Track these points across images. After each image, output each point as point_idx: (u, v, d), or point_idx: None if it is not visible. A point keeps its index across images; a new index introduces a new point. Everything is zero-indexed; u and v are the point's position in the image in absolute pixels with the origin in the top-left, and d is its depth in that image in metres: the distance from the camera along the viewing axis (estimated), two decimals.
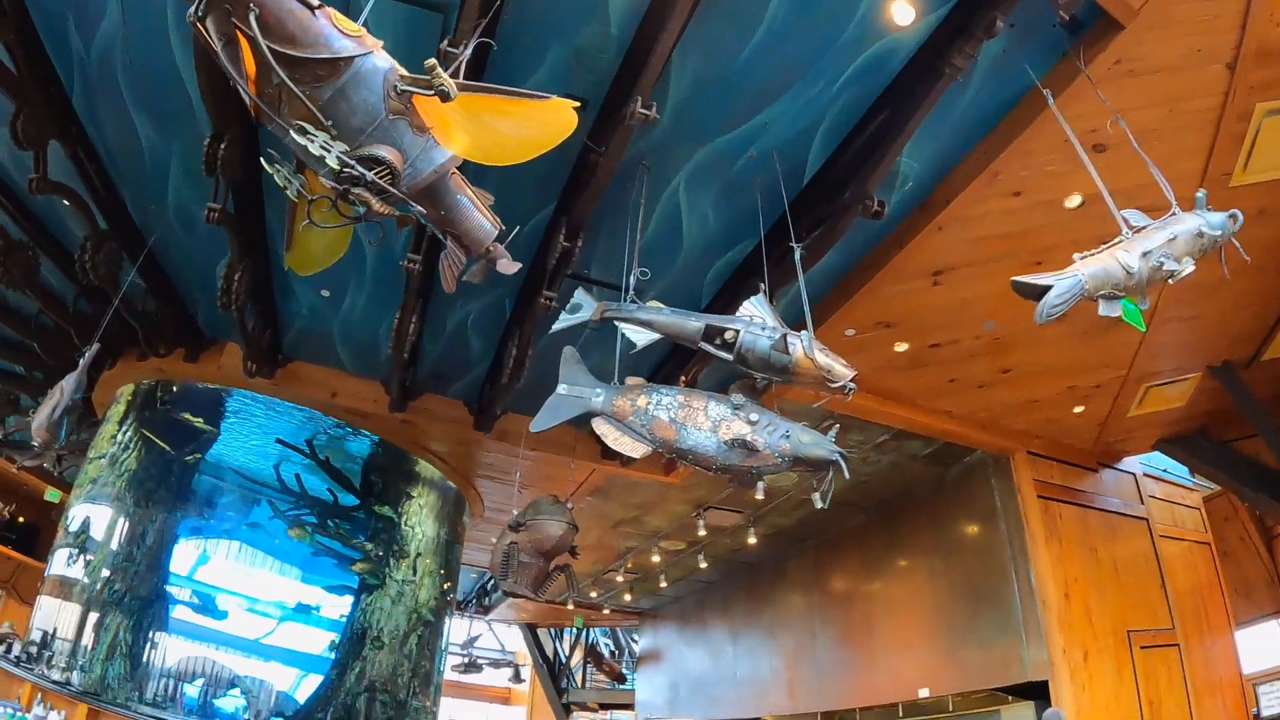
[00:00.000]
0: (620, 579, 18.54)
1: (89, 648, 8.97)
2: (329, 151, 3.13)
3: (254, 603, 9.74)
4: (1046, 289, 4.21)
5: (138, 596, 9.26)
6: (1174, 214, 4.74)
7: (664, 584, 18.31)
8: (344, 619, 10.30)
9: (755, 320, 5.05)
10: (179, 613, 9.35)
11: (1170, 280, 4.52)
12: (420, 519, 11.60)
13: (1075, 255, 4.45)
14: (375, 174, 3.21)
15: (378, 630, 10.51)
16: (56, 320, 9.56)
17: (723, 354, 5.03)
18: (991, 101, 6.30)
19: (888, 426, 10.35)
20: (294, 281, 8.74)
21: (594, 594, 20.30)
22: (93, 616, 9.13)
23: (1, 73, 6.14)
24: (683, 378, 8.60)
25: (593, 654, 26.36)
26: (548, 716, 24.67)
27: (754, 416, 4.97)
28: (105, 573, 9.34)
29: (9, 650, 9.75)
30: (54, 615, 9.28)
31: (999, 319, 8.42)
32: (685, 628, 20.03)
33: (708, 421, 5.03)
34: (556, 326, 5.47)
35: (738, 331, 4.97)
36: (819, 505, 9.05)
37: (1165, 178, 4.94)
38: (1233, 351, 9.58)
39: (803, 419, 5.16)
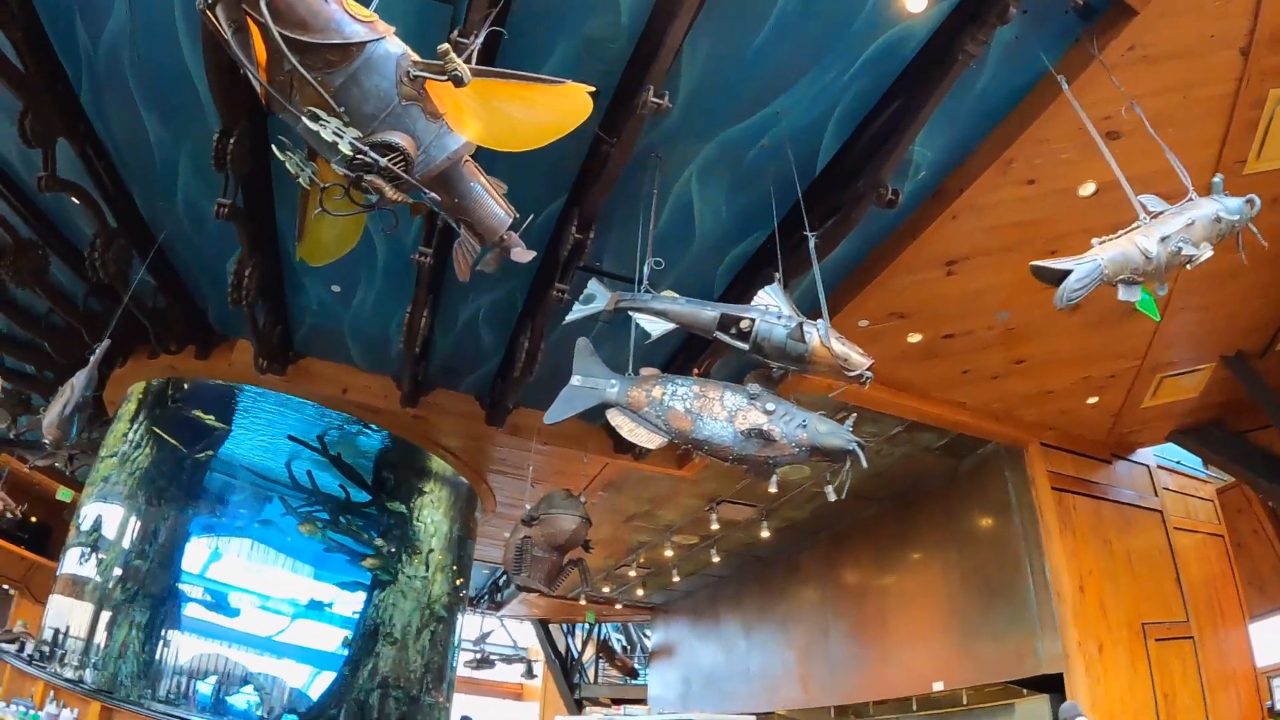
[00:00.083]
0: (633, 574, 18.51)
1: (101, 646, 8.98)
2: (341, 137, 3.10)
3: (266, 600, 9.73)
4: (1066, 273, 4.18)
5: (150, 594, 9.25)
6: (1191, 199, 4.69)
7: (676, 578, 18.28)
8: (357, 615, 10.29)
9: (771, 309, 5.00)
10: (191, 610, 9.35)
11: (1189, 265, 4.48)
12: (432, 514, 11.58)
13: (1094, 240, 4.41)
14: (388, 160, 3.17)
15: (390, 626, 10.48)
16: (66, 319, 9.59)
17: (738, 343, 4.99)
18: (1005, 89, 6.25)
19: (901, 418, 10.29)
20: (304, 277, 8.73)
21: (606, 589, 20.29)
22: (105, 615, 9.13)
23: (9, 70, 6.12)
24: (695, 370, 8.55)
25: (605, 649, 26.37)
26: (560, 712, 24.63)
27: (770, 406, 4.92)
28: (117, 571, 9.34)
29: (21, 649, 9.76)
30: (66, 614, 9.29)
31: (1013, 309, 8.38)
32: (698, 622, 20.00)
33: (724, 411, 4.98)
34: (570, 317, 5.43)
35: (753, 320, 4.92)
36: (832, 498, 9.06)
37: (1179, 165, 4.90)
38: (1246, 341, 9.51)
39: (816, 410, 5.10)
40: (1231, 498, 12.70)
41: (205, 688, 9.10)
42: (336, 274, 8.57)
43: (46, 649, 9.13)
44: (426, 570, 11.15)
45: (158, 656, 9.04)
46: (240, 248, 7.57)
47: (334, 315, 9.37)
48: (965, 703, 11.56)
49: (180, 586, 9.39)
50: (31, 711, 8.27)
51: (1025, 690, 10.41)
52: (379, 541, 10.66)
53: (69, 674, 8.81)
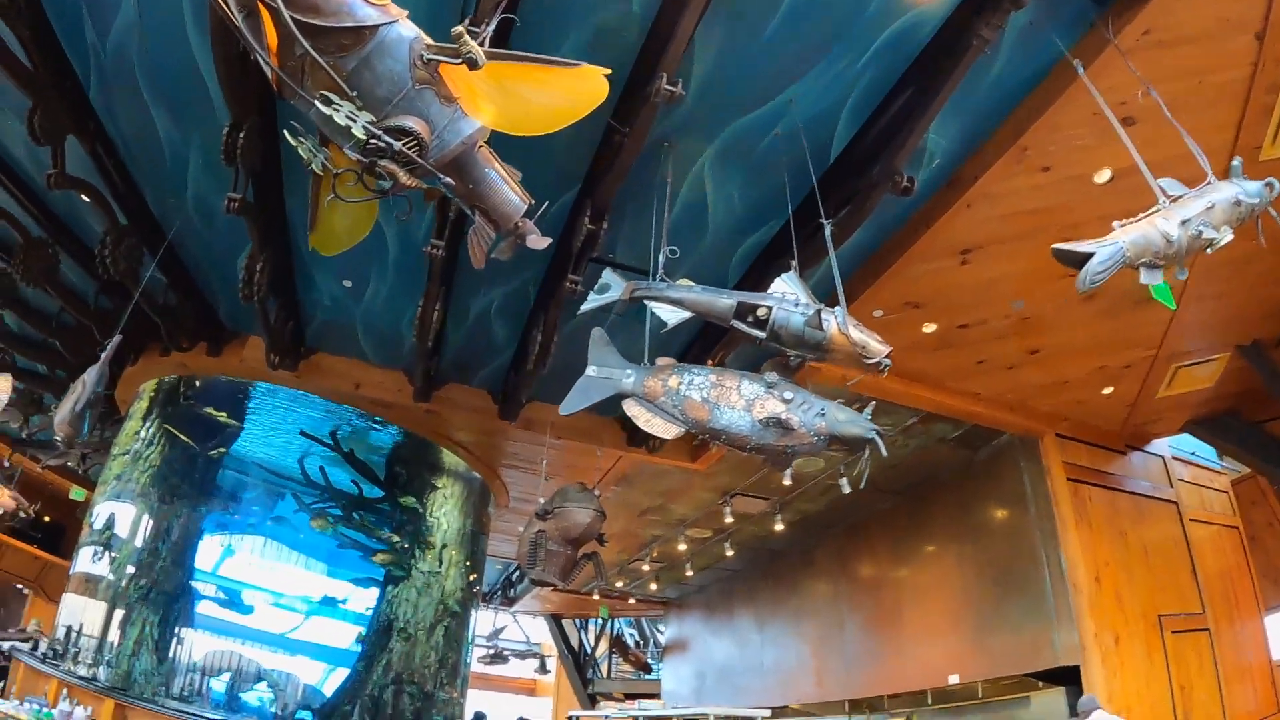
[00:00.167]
0: (646, 568, 18.48)
1: (115, 643, 9.00)
2: (355, 121, 3.06)
3: (280, 597, 9.74)
4: (1088, 256, 4.14)
5: (163, 592, 9.27)
6: (1210, 183, 4.65)
7: (690, 573, 18.26)
8: (370, 611, 10.28)
9: (788, 297, 4.96)
10: (205, 608, 9.37)
11: (1209, 249, 4.45)
12: (445, 510, 11.57)
13: (1114, 223, 4.37)
14: (402, 144, 3.14)
15: (404, 622, 10.48)
16: (78, 317, 9.60)
17: (755, 332, 4.94)
18: (1019, 75, 6.19)
19: (916, 409, 10.25)
20: (316, 272, 8.72)
21: (620, 584, 20.31)
22: (119, 613, 9.16)
23: (17, 68, 6.12)
24: (709, 362, 8.53)
25: (618, 644, 26.39)
26: (573, 707, 24.63)
27: (788, 394, 4.87)
28: (130, 569, 9.36)
29: (35, 648, 9.77)
30: (80, 612, 9.32)
31: (1028, 298, 8.33)
32: (711, 617, 19.99)
33: (741, 400, 4.93)
34: (585, 307, 5.40)
35: (770, 308, 4.88)
36: (847, 491, 9.02)
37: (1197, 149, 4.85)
38: (1262, 330, 9.44)
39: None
40: (1246, 489, 12.66)
41: (219, 685, 9.12)
42: (348, 268, 8.57)
43: (59, 647, 9.14)
44: (440, 565, 11.13)
45: (171, 654, 9.05)
46: (251, 243, 7.55)
47: (346, 310, 9.36)
48: (981, 696, 11.50)
49: (193, 584, 9.41)
50: (45, 710, 8.28)
51: (1041, 683, 10.36)
52: (392, 537, 10.65)
53: (83, 671, 8.83)
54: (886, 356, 4.78)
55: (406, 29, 3.17)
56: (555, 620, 25.52)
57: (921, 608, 12.50)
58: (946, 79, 5.66)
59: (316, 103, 3.07)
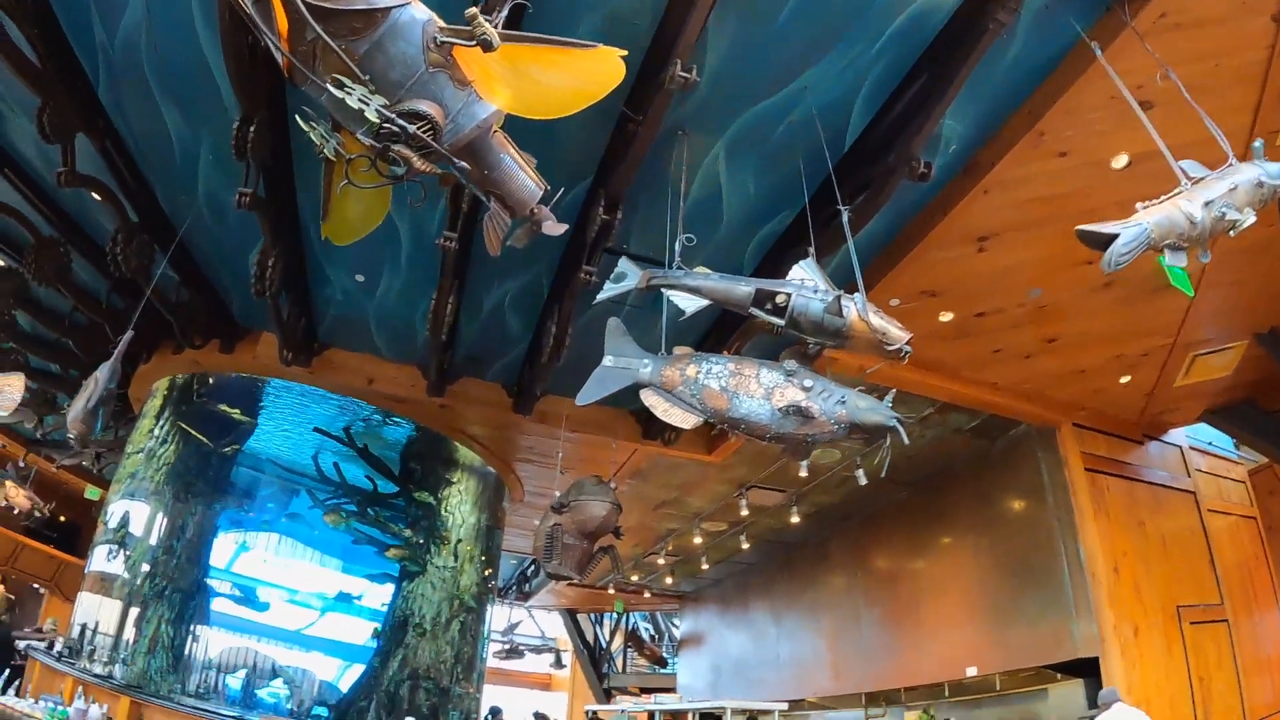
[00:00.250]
0: (661, 562, 18.52)
1: (130, 641, 9.02)
2: (368, 104, 3.01)
3: (295, 593, 9.74)
4: (1113, 238, 4.08)
5: (178, 590, 9.28)
6: (1231, 164, 4.58)
7: (705, 566, 18.30)
8: (386, 607, 10.28)
9: (807, 283, 4.89)
10: (220, 605, 9.37)
11: (1232, 232, 4.39)
12: (460, 505, 11.56)
13: (1138, 204, 4.31)
14: (416, 128, 3.08)
15: (420, 617, 10.48)
16: (90, 316, 9.62)
17: (774, 319, 4.87)
18: (1036, 58, 6.11)
19: (932, 399, 10.17)
20: (328, 267, 8.71)
21: (635, 577, 20.33)
22: (134, 610, 9.19)
23: (26, 67, 6.10)
24: (726, 352, 8.48)
25: (633, 638, 26.43)
26: (589, 701, 24.64)
27: (808, 382, 4.81)
28: (145, 567, 9.38)
29: (50, 647, 9.79)
30: (95, 610, 9.34)
31: (1045, 286, 8.26)
32: (727, 610, 19.99)
33: (760, 389, 4.87)
34: (601, 296, 5.33)
35: (789, 295, 4.81)
36: (863, 482, 8.97)
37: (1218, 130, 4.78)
38: (1279, 317, 9.33)
39: None
40: (1263, 479, 12.55)
41: (235, 682, 9.13)
42: (360, 263, 8.55)
43: (75, 645, 9.15)
44: (455, 561, 11.13)
45: (187, 651, 9.06)
46: (263, 238, 7.53)
47: (358, 305, 9.34)
48: (998, 688, 11.48)
49: (208, 581, 9.43)
50: (60, 708, 8.28)
51: (1059, 675, 10.31)
52: (407, 533, 10.64)
53: (98, 669, 8.85)
54: (907, 343, 4.72)
55: (419, 11, 3.12)
56: (570, 615, 25.57)
57: (938, 600, 12.44)
58: (962, 63, 5.58)
59: (329, 87, 3.02)
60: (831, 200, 6.02)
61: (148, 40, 6.23)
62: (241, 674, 9.18)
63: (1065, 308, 8.62)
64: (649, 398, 5.22)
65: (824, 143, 6.19)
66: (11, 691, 8.76)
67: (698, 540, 16.22)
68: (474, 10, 2.99)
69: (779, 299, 4.83)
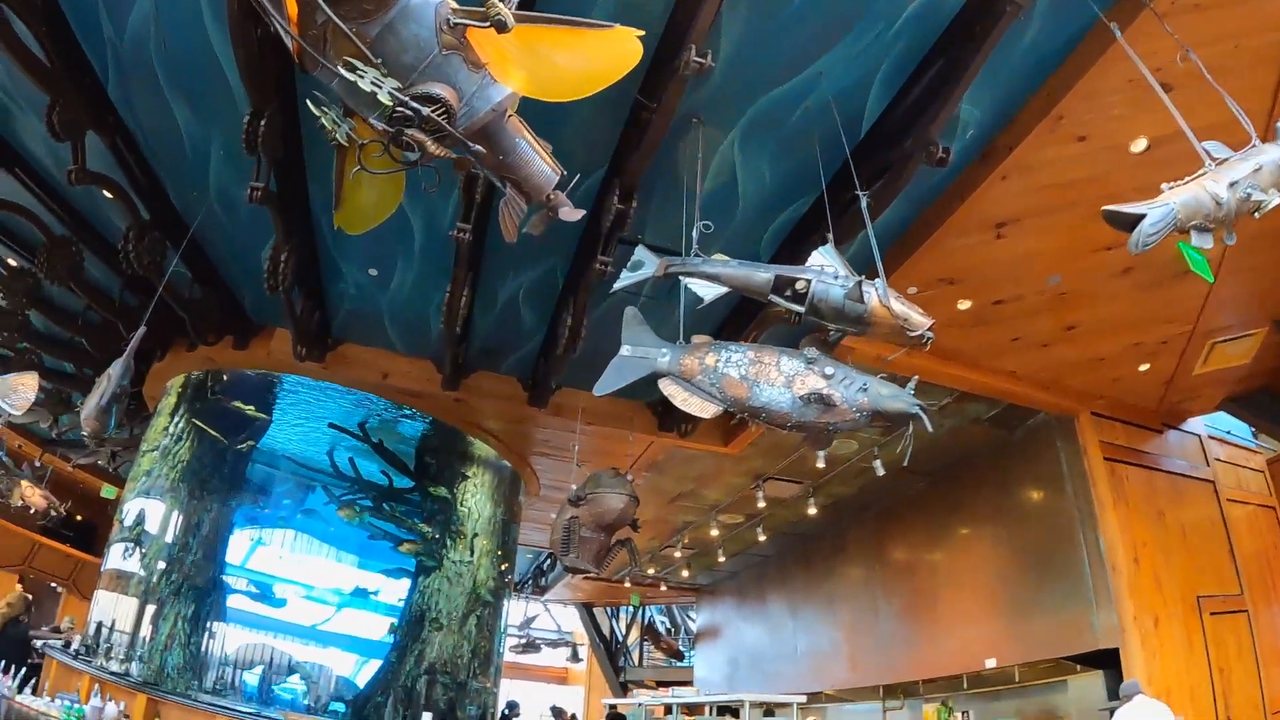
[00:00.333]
0: (678, 555, 18.50)
1: (147, 639, 9.05)
2: (380, 87, 2.95)
3: (311, 589, 9.74)
4: (1140, 218, 4.01)
5: (194, 587, 9.31)
6: (1255, 145, 4.50)
7: (721, 559, 18.29)
8: (402, 602, 10.27)
9: (827, 270, 4.83)
10: (236, 601, 9.39)
11: (1258, 213, 4.30)
12: (476, 499, 11.54)
13: (1163, 185, 4.24)
14: (430, 111, 3.02)
15: (436, 612, 10.46)
16: (103, 314, 9.62)
17: (794, 306, 4.80)
18: (1053, 41, 6.03)
19: (950, 389, 10.08)
20: (341, 261, 8.69)
21: (651, 570, 20.30)
22: (150, 608, 9.22)
23: (34, 65, 6.08)
24: (743, 341, 8.43)
25: (649, 632, 26.48)
26: (606, 695, 24.66)
27: (829, 370, 4.74)
28: (161, 564, 9.40)
29: (67, 646, 9.79)
30: (112, 608, 9.37)
31: (1063, 273, 8.17)
32: (743, 603, 19.95)
33: (781, 377, 4.80)
34: (619, 284, 5.28)
35: (809, 281, 4.75)
36: (880, 473, 8.90)
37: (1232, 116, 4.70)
38: None
39: None
40: None
41: (252, 678, 9.14)
42: (374, 257, 8.54)
43: (92, 643, 9.17)
44: (471, 555, 11.11)
45: (203, 648, 9.08)
46: (275, 233, 7.51)
47: (372, 299, 9.31)
48: (1017, 680, 11.39)
49: (225, 578, 9.44)
50: (77, 706, 8.27)
51: (1079, 666, 10.22)
52: (423, 527, 10.63)
53: (115, 667, 8.89)
54: (929, 329, 4.65)
55: None
56: (586, 609, 25.61)
57: (956, 591, 12.36)
58: (979, 47, 5.50)
59: (340, 71, 2.96)
60: (848, 187, 5.96)
61: (156, 36, 6.21)
62: (258, 670, 9.19)
63: (1084, 295, 8.53)
64: (667, 387, 5.16)
65: (840, 128, 6.11)
66: (28, 690, 8.75)
67: (714, 533, 16.21)
68: None
69: (799, 285, 4.77)
